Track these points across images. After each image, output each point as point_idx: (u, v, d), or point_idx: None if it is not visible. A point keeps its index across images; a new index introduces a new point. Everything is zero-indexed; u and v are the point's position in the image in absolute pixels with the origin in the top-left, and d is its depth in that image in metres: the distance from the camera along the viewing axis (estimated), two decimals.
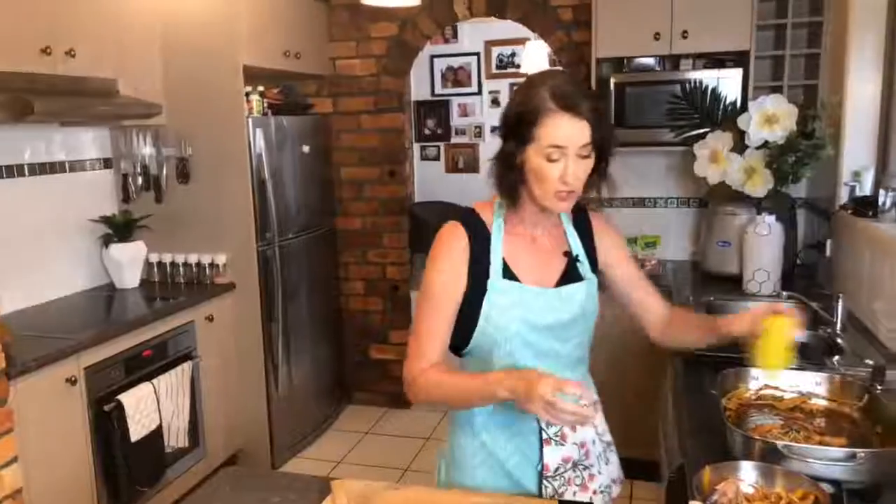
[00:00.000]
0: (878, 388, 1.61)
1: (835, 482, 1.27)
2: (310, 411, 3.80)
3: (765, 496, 1.23)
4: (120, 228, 3.25)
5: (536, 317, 1.42)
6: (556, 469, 1.45)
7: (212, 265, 3.34)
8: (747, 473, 1.26)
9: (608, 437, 1.60)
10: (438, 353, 1.44)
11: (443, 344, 1.45)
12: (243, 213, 3.32)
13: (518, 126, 1.36)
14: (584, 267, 1.50)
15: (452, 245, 1.44)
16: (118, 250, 3.22)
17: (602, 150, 1.39)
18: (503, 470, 1.46)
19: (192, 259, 3.34)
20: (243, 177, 3.29)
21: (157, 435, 2.74)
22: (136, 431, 2.63)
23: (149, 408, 2.70)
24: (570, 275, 1.48)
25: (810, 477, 1.23)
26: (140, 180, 3.39)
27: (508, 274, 1.43)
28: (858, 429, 1.49)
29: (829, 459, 1.27)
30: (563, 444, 1.46)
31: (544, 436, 1.44)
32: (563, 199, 1.38)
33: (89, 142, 3.30)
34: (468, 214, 1.48)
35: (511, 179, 1.41)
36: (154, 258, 3.38)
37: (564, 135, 1.32)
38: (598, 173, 1.42)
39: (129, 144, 3.35)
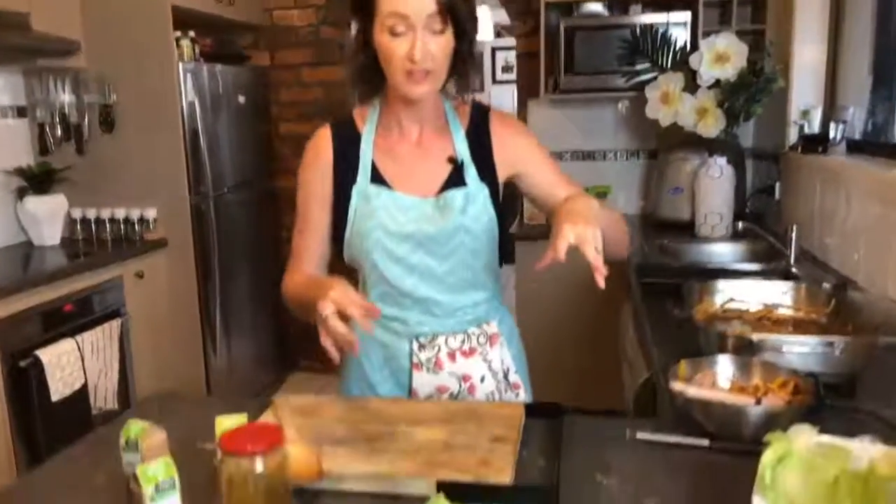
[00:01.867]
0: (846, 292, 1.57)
1: (811, 375, 1.20)
2: (251, 379, 3.61)
3: (742, 389, 1.15)
4: (36, 180, 2.99)
5: (397, 225, 1.27)
6: (429, 398, 1.33)
7: (141, 221, 3.12)
8: (724, 366, 1.19)
9: (516, 379, 1.39)
10: (313, 266, 1.36)
11: (316, 257, 1.37)
12: (174, 166, 3.11)
13: None
14: (470, 173, 1.30)
15: (313, 153, 1.34)
16: (34, 203, 2.97)
17: (458, 24, 1.20)
18: (374, 394, 1.36)
19: (120, 214, 3.11)
20: (174, 127, 3.08)
21: (82, 395, 2.53)
22: (58, 390, 2.41)
23: (72, 366, 2.48)
24: (452, 183, 1.30)
25: None
26: (59, 130, 3.13)
27: (377, 178, 1.30)
28: (828, 332, 1.44)
29: (806, 350, 1.21)
30: (437, 373, 1.32)
31: (414, 359, 1.32)
32: (417, 82, 1.19)
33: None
34: (339, 118, 1.36)
35: (361, 64, 1.26)
36: (77, 214, 3.14)
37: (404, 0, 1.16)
38: (461, 55, 1.25)
39: (45, 91, 3.08)
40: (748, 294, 1.59)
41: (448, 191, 1.29)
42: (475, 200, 1.29)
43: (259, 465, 0.84)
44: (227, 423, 0.97)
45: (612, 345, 2.61)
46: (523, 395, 1.39)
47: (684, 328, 1.46)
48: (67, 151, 3.14)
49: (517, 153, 1.34)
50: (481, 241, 1.31)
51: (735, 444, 1.06)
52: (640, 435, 1.11)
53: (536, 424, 1.17)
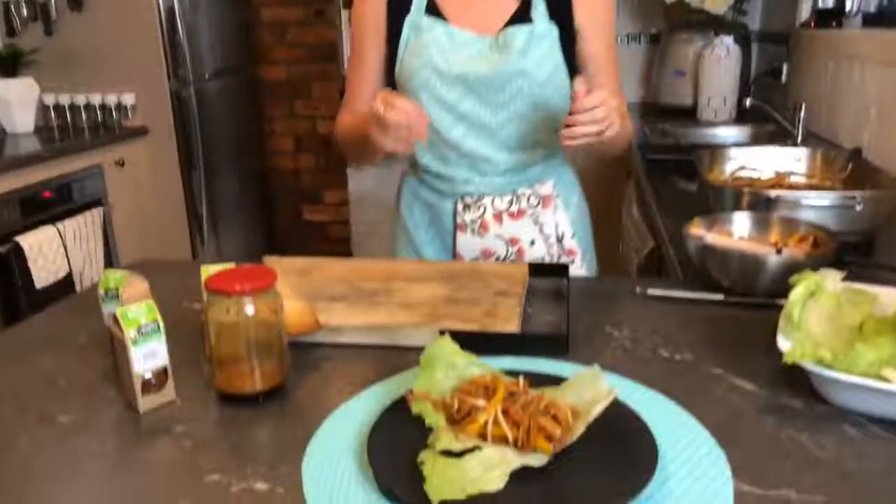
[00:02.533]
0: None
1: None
2: None
3: (759, 244, 1.10)
4: (4, 63, 2.82)
5: (447, 64, 1.15)
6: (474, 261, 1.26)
7: (119, 107, 2.97)
8: (740, 222, 1.12)
9: (572, 245, 1.28)
10: (365, 105, 1.23)
11: (367, 97, 1.22)
12: (150, 48, 2.92)
13: None
14: (538, 9, 1.15)
15: None
16: (5, 87, 2.80)
17: None
18: (420, 257, 1.30)
19: (95, 100, 2.95)
20: (148, 5, 2.87)
21: (67, 283, 2.47)
22: (42, 278, 2.35)
23: (55, 253, 2.41)
24: (517, 20, 1.16)
25: None
26: (24, 9, 2.92)
27: (433, 10, 1.17)
28: None
29: (826, 204, 1.15)
30: (482, 235, 1.24)
31: (458, 220, 1.24)
32: None
33: None
34: None
35: None
36: (50, 100, 2.97)
37: None
38: None
39: None
40: (760, 162, 1.52)
41: (510, 27, 1.15)
42: (540, 42, 1.14)
43: (249, 308, 0.78)
44: (213, 270, 0.90)
45: (612, 236, 2.55)
46: (580, 264, 1.29)
47: (692, 199, 1.40)
48: (35, 33, 2.94)
49: (588, 15, 1.18)
50: (544, 91, 1.16)
51: (751, 299, 1.01)
52: (652, 291, 1.06)
53: (542, 283, 1.12)
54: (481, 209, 1.23)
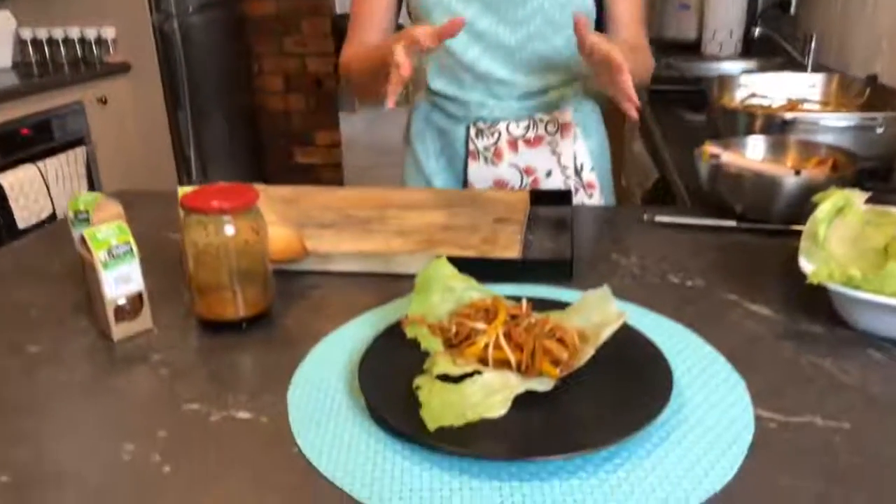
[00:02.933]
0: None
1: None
2: None
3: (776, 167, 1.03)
4: None
5: None
6: None
7: (99, 41, 2.84)
8: (755, 145, 1.06)
9: (591, 178, 1.19)
10: (373, 36, 1.16)
11: (377, 27, 1.16)
12: None
13: None
14: None
15: None
16: None
17: None
18: (429, 186, 1.23)
19: (74, 34, 2.83)
20: None
21: (51, 223, 2.40)
22: (24, 218, 2.28)
23: (36, 192, 2.33)
24: None
25: None
26: None
27: None
28: None
29: (844, 125, 1.08)
30: (495, 164, 1.17)
31: (471, 146, 1.17)
32: None
33: None
34: None
35: None
36: (27, 34, 2.84)
37: None
38: None
39: None
40: (771, 89, 1.44)
41: None
42: None
43: (228, 228, 0.72)
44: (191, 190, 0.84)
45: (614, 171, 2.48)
46: (598, 199, 1.21)
47: (699, 129, 1.32)
48: None
49: None
50: (565, 11, 1.08)
51: (765, 225, 0.95)
52: (660, 218, 1.00)
53: (544, 212, 1.06)
54: (496, 135, 1.15)
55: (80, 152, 2.56)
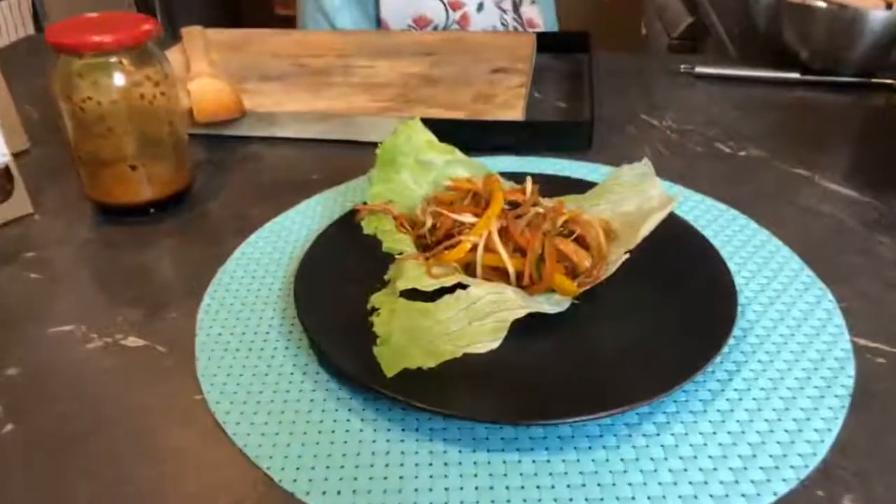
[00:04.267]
0: None
1: None
2: None
3: None
4: None
5: None
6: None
7: None
8: None
9: (531, 14, 1.00)
10: None
11: None
12: None
13: None
14: None
15: None
16: None
17: None
18: (331, 27, 0.99)
19: None
20: None
21: None
22: None
23: None
24: None
25: None
26: None
27: None
28: None
29: None
30: None
31: None
32: None
33: None
34: None
35: None
36: None
37: None
38: None
39: None
40: None
41: None
42: None
43: (117, 76, 0.51)
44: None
45: (632, 19, 2.19)
46: None
47: None
48: None
49: None
50: None
51: (838, 77, 0.74)
52: (701, 69, 0.79)
53: (553, 62, 0.84)
54: None
55: None
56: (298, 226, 0.54)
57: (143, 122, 0.54)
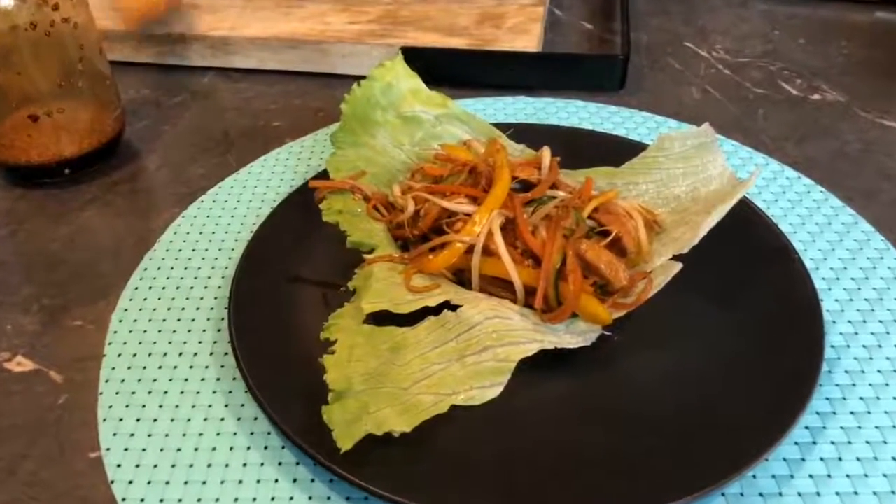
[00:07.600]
0: None
1: None
2: None
3: None
4: None
5: None
6: None
7: None
8: None
9: None
10: None
11: None
12: None
13: None
14: None
15: None
16: None
17: None
18: None
19: None
20: None
21: None
22: None
23: None
24: None
25: None
26: None
27: None
28: None
29: None
30: None
31: None
32: None
33: None
34: None
35: None
36: None
37: None
38: None
39: None
40: None
41: None
42: None
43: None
44: None
45: None
46: None
47: None
48: None
49: None
50: None
51: None
52: None
53: None
54: None
55: None
56: (250, 194, 0.42)
57: (47, 56, 0.41)
